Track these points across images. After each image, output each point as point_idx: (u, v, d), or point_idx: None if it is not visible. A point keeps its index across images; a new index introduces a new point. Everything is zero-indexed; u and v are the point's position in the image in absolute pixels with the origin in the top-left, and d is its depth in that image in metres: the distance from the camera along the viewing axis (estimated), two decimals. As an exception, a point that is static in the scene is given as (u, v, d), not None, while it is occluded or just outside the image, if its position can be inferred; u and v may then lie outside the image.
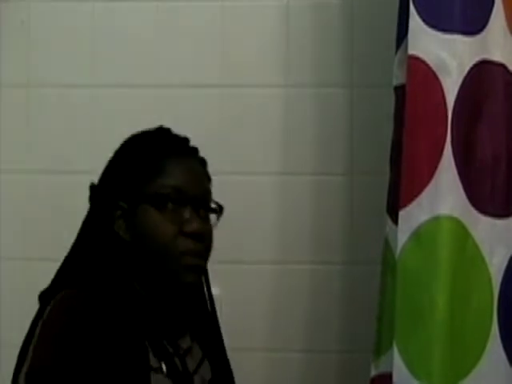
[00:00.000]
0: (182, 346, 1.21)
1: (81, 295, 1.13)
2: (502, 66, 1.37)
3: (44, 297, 1.19)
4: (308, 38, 1.74)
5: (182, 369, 1.18)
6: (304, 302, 1.73)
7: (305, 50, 1.74)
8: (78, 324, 1.08)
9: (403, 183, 1.32)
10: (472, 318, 1.34)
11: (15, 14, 1.77)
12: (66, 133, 1.76)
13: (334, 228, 1.73)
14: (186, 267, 1.16)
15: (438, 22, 1.32)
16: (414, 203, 1.31)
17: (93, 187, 1.26)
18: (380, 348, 1.42)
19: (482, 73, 1.35)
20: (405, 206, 1.32)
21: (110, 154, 1.76)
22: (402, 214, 1.32)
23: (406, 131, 1.33)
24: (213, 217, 1.25)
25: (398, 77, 1.41)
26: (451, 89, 1.32)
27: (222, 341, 1.30)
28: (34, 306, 1.77)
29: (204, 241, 1.19)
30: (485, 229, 1.35)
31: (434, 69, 1.32)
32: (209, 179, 1.26)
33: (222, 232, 1.66)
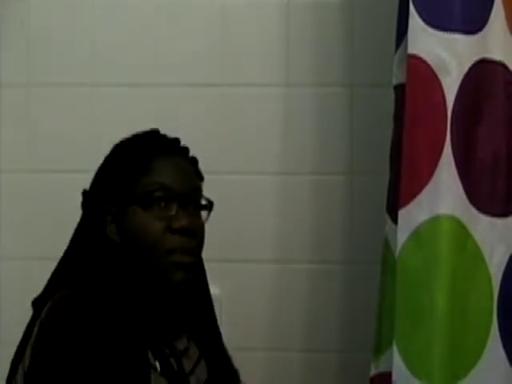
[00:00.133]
0: (179, 347, 1.21)
1: (78, 294, 1.13)
2: (502, 65, 1.37)
3: (38, 302, 1.19)
4: (308, 38, 1.74)
5: (178, 369, 1.18)
6: (304, 302, 1.73)
7: (305, 50, 1.74)
8: (76, 323, 1.08)
9: (403, 182, 1.32)
10: (472, 317, 1.34)
11: (15, 14, 1.77)
12: (65, 133, 1.76)
13: (333, 228, 1.73)
14: (174, 264, 1.15)
15: (437, 21, 1.33)
16: (414, 203, 1.31)
17: (84, 193, 1.26)
18: (380, 347, 1.42)
19: (481, 72, 1.35)
20: (404, 205, 1.32)
21: (109, 153, 1.77)
22: (401, 213, 1.32)
23: (406, 131, 1.33)
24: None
25: (398, 76, 1.41)
26: (451, 88, 1.32)
27: (220, 340, 1.30)
28: (33, 306, 1.76)
29: (193, 236, 1.17)
30: (485, 228, 1.35)
31: (434, 68, 1.32)
32: (199, 177, 1.25)
33: (221, 232, 1.67)
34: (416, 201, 1.31)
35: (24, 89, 1.77)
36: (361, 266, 1.71)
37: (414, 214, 1.31)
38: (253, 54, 1.75)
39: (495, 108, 1.37)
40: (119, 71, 1.77)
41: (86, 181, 1.77)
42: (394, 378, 1.31)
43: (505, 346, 1.35)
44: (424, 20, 1.33)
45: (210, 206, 1.24)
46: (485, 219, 1.36)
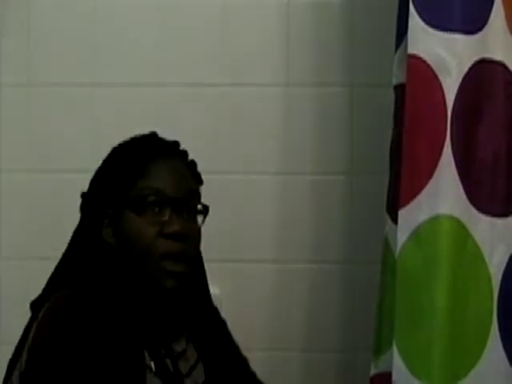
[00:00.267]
0: (176, 349, 1.21)
1: (74, 296, 1.13)
2: (502, 65, 1.37)
3: (36, 304, 1.19)
4: (308, 38, 1.74)
5: (174, 371, 1.18)
6: (304, 302, 1.73)
7: (305, 50, 1.74)
8: (72, 324, 1.08)
9: (403, 182, 1.32)
10: (472, 317, 1.34)
11: (15, 14, 1.77)
12: (65, 132, 1.76)
13: (333, 228, 1.73)
14: (166, 272, 1.15)
15: (437, 21, 1.32)
16: (414, 203, 1.31)
17: (83, 195, 1.26)
18: (380, 347, 1.42)
19: (481, 72, 1.35)
20: (404, 205, 1.32)
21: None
22: (401, 213, 1.32)
23: (406, 131, 1.33)
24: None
25: (398, 76, 1.41)
26: (451, 88, 1.32)
27: (224, 341, 1.30)
28: (33, 306, 1.76)
29: (186, 241, 1.16)
30: (485, 228, 1.35)
31: (434, 68, 1.32)
32: (197, 181, 1.25)
33: (221, 232, 1.67)
34: (416, 201, 1.31)
35: (24, 89, 1.77)
36: (361, 265, 1.71)
37: (414, 214, 1.31)
38: (253, 54, 1.75)
39: (495, 108, 1.37)
40: (119, 71, 1.77)
41: (85, 181, 1.77)
42: (393, 377, 1.31)
43: (505, 346, 1.35)
44: (424, 20, 1.33)
45: (205, 210, 1.23)
46: (485, 219, 1.36)
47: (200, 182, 1.26)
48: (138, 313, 1.17)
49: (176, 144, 1.25)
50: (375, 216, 1.59)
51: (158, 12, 1.76)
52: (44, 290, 1.22)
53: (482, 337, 1.34)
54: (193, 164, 1.26)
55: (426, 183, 1.31)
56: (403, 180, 1.32)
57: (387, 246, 1.41)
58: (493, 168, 1.36)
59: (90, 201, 1.24)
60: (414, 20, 1.33)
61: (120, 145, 1.26)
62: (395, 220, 1.36)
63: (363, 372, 1.46)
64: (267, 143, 1.74)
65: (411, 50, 1.33)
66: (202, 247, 1.24)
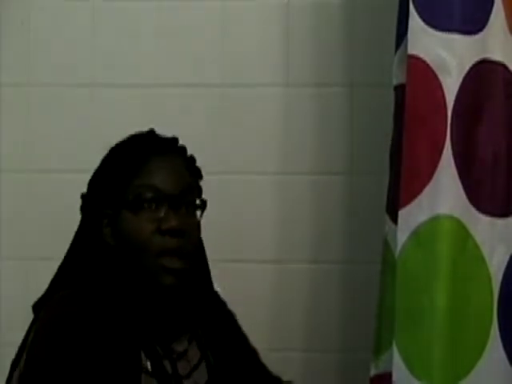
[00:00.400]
0: (177, 350, 1.20)
1: (71, 296, 1.13)
2: (502, 66, 1.37)
3: (37, 306, 1.19)
4: (308, 38, 1.74)
5: (172, 372, 1.17)
6: (304, 302, 1.74)
7: (305, 50, 1.74)
8: (68, 325, 1.08)
9: (403, 183, 1.32)
10: (472, 317, 1.34)
11: (15, 14, 1.77)
12: (65, 132, 1.76)
13: (333, 228, 1.73)
14: (164, 269, 1.14)
15: (437, 21, 1.32)
16: (414, 203, 1.31)
17: (82, 197, 1.26)
18: (380, 348, 1.42)
19: (481, 72, 1.35)
20: (404, 205, 1.32)
21: (110, 154, 1.76)
22: (401, 213, 1.32)
23: (406, 131, 1.33)
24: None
25: (398, 76, 1.40)
26: (451, 88, 1.32)
27: (231, 336, 1.29)
28: (33, 306, 1.76)
29: (184, 236, 1.15)
30: (485, 228, 1.35)
31: (434, 68, 1.32)
32: (195, 176, 1.24)
33: (221, 231, 1.67)
34: (416, 201, 1.31)
35: (24, 89, 1.77)
36: (361, 265, 1.71)
37: (414, 214, 1.31)
38: (253, 54, 1.75)
39: (495, 108, 1.37)
40: (119, 71, 1.77)
41: (85, 181, 1.77)
42: (394, 378, 1.31)
43: (505, 346, 1.35)
44: (424, 20, 1.32)
45: (203, 205, 1.22)
46: (485, 219, 1.36)
47: (198, 176, 1.25)
48: (137, 312, 1.16)
49: (173, 140, 1.25)
50: (375, 216, 1.59)
51: (158, 12, 1.76)
52: (46, 292, 1.22)
53: (482, 337, 1.34)
54: (191, 159, 1.25)
55: (426, 183, 1.31)
56: (403, 180, 1.32)
57: (387, 246, 1.41)
58: (493, 168, 1.36)
59: (89, 202, 1.24)
60: (414, 20, 1.32)
61: (117, 144, 1.26)
62: (395, 220, 1.35)
63: (363, 372, 1.46)
64: (267, 143, 1.74)
65: (411, 51, 1.33)
66: (202, 247, 1.24)
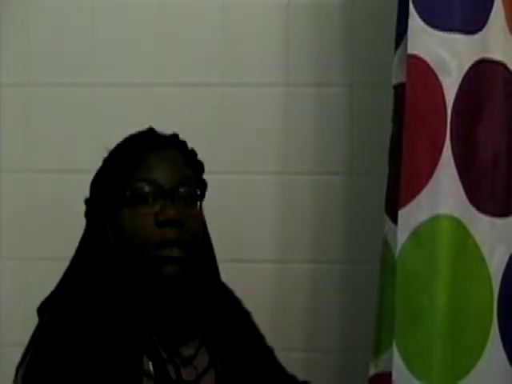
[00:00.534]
0: (183, 354, 1.19)
1: (73, 297, 1.14)
2: (502, 65, 1.37)
3: (42, 308, 1.20)
4: (308, 37, 1.74)
5: (176, 378, 1.16)
6: (304, 302, 1.74)
7: (305, 49, 1.74)
8: (71, 329, 1.09)
9: (403, 182, 1.32)
10: (472, 317, 1.33)
11: (15, 14, 1.77)
12: (65, 132, 1.76)
13: (333, 228, 1.73)
14: (164, 258, 1.14)
15: (437, 21, 1.32)
16: (414, 202, 1.31)
17: (86, 202, 1.26)
18: (379, 347, 1.42)
19: (481, 72, 1.35)
20: (404, 205, 1.31)
21: (109, 154, 1.76)
22: (401, 213, 1.32)
23: (406, 131, 1.32)
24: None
25: (398, 76, 1.40)
26: (451, 88, 1.32)
27: (244, 337, 1.28)
28: (33, 306, 1.77)
29: (182, 226, 1.16)
30: (485, 228, 1.35)
31: (434, 68, 1.32)
32: (193, 167, 1.24)
33: (221, 232, 1.66)
34: (416, 201, 1.31)
35: (24, 89, 1.77)
36: (361, 266, 1.71)
37: (413, 214, 1.31)
38: (253, 53, 1.75)
39: (495, 108, 1.36)
40: (119, 71, 1.77)
41: (85, 181, 1.77)
42: (393, 377, 1.31)
43: (505, 346, 1.34)
44: (424, 20, 1.32)
45: (202, 191, 1.22)
46: (485, 219, 1.35)
47: (199, 169, 1.25)
48: (140, 310, 1.16)
49: (172, 136, 1.25)
50: (375, 216, 1.59)
51: (159, 12, 1.76)
52: (50, 295, 1.22)
53: (481, 337, 1.34)
54: (191, 153, 1.26)
55: (425, 183, 1.31)
56: (403, 180, 1.32)
57: (387, 246, 1.41)
58: (493, 168, 1.36)
59: (91, 206, 1.25)
60: (414, 20, 1.32)
61: (116, 145, 1.27)
62: (395, 220, 1.35)
63: (363, 372, 1.46)
64: (267, 143, 1.74)
65: (411, 50, 1.32)
66: (202, 246, 1.24)
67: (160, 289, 1.17)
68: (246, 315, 1.34)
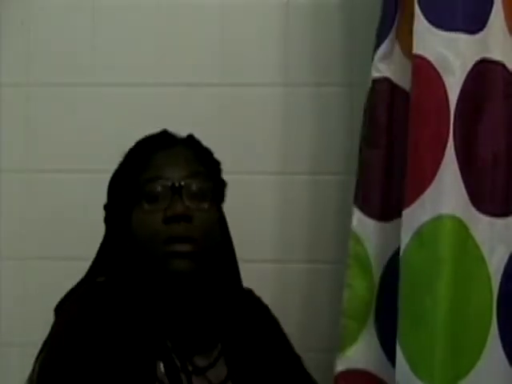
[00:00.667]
0: (197, 364, 1.17)
1: (87, 298, 1.13)
2: (502, 65, 1.37)
3: (59, 306, 1.19)
4: (307, 37, 1.74)
5: None
6: (303, 301, 1.73)
7: (304, 49, 1.74)
8: (81, 335, 1.08)
9: (407, 182, 1.32)
10: (472, 317, 1.34)
11: (15, 14, 1.77)
12: (65, 132, 1.76)
13: (333, 228, 1.73)
14: (172, 254, 1.14)
15: (441, 21, 1.33)
16: (417, 203, 1.31)
17: (104, 207, 1.27)
18: (345, 344, 1.42)
19: (482, 71, 1.36)
20: (409, 205, 1.31)
21: (109, 153, 1.76)
22: (405, 213, 1.32)
23: (410, 131, 1.32)
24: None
25: (381, 70, 1.41)
26: (454, 88, 1.32)
27: (268, 349, 1.25)
28: (33, 306, 1.77)
29: (190, 221, 1.15)
30: (485, 228, 1.36)
31: (438, 68, 1.32)
32: (208, 166, 1.24)
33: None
34: (419, 201, 1.31)
35: (24, 89, 1.76)
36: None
37: (417, 214, 1.31)
38: (252, 53, 1.75)
39: (495, 108, 1.37)
40: (119, 71, 1.77)
41: (85, 181, 1.78)
42: (397, 378, 1.31)
43: (504, 347, 1.35)
44: (429, 21, 1.33)
45: (219, 190, 1.23)
46: (485, 219, 1.36)
47: (212, 167, 1.25)
48: (154, 315, 1.14)
49: (187, 136, 1.26)
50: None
51: (158, 12, 1.76)
52: (69, 292, 1.21)
53: (481, 337, 1.34)
54: (204, 151, 1.26)
55: (429, 183, 1.31)
56: (407, 180, 1.32)
57: (357, 240, 1.41)
58: (492, 168, 1.37)
59: (108, 209, 1.25)
60: (420, 21, 1.32)
61: (128, 149, 1.26)
62: (367, 212, 1.38)
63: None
64: (266, 143, 1.74)
65: (417, 51, 1.32)
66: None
67: (169, 285, 1.16)
68: (273, 324, 1.32)
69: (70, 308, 1.14)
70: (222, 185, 1.26)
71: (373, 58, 1.43)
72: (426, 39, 1.33)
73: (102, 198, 1.68)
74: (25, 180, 1.77)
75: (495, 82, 1.37)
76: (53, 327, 1.14)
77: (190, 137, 1.27)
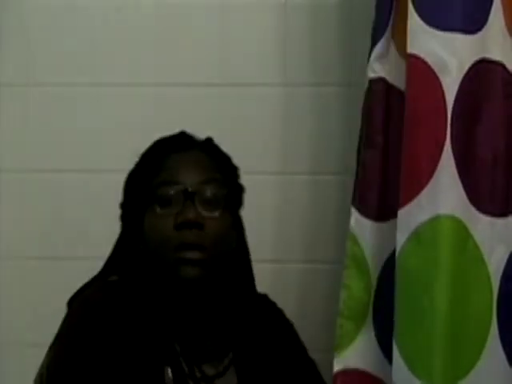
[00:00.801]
0: (206, 372, 1.16)
1: (95, 299, 1.12)
2: (501, 66, 1.37)
3: (69, 304, 1.18)
4: (306, 37, 1.74)
5: None
6: (300, 301, 1.73)
7: (303, 49, 1.74)
8: (88, 338, 1.07)
9: (402, 182, 1.32)
10: (472, 317, 1.33)
11: (15, 14, 1.77)
12: (65, 132, 1.76)
13: (333, 228, 1.73)
14: (182, 260, 1.13)
15: (437, 20, 1.32)
16: (413, 203, 1.30)
17: (120, 206, 1.25)
18: (342, 344, 1.42)
19: (481, 72, 1.35)
20: (403, 205, 1.31)
21: (109, 153, 1.77)
22: (400, 213, 1.31)
23: (406, 131, 1.32)
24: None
25: (376, 70, 1.41)
26: (451, 88, 1.32)
27: (283, 354, 1.24)
28: (33, 306, 1.77)
29: (201, 228, 1.14)
30: (484, 228, 1.35)
31: (434, 68, 1.31)
32: (223, 172, 1.23)
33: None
34: (416, 201, 1.30)
35: (23, 88, 1.76)
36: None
37: (413, 214, 1.30)
38: (250, 53, 1.75)
39: (494, 108, 1.37)
40: (119, 71, 1.77)
41: (85, 181, 1.78)
42: (393, 378, 1.31)
43: (504, 347, 1.35)
44: (424, 19, 1.32)
45: (236, 196, 1.22)
46: (484, 219, 1.35)
47: (229, 173, 1.24)
48: (163, 318, 1.14)
49: (204, 139, 1.24)
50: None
51: (158, 12, 1.76)
52: (81, 288, 1.20)
53: (481, 337, 1.34)
54: (220, 156, 1.24)
55: (426, 183, 1.30)
56: (402, 180, 1.32)
57: (354, 240, 1.41)
58: (492, 168, 1.36)
59: (123, 208, 1.23)
60: (414, 19, 1.32)
61: (145, 149, 1.25)
62: (364, 212, 1.38)
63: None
64: (265, 143, 1.74)
65: (411, 50, 1.32)
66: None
67: (179, 291, 1.15)
68: (287, 329, 1.32)
69: (79, 308, 1.13)
70: (240, 190, 1.25)
71: (369, 58, 1.43)
72: (420, 38, 1.32)
73: (102, 198, 1.68)
74: (25, 180, 1.77)
75: (495, 82, 1.37)
76: (63, 325, 1.13)
77: (209, 140, 1.26)
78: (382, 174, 1.40)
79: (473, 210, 1.34)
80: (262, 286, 1.76)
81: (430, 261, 1.30)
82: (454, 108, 1.32)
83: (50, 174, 1.76)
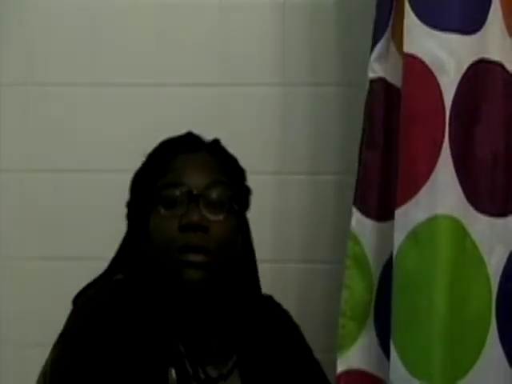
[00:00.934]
0: (210, 374, 1.16)
1: (99, 299, 1.12)
2: (500, 66, 1.37)
3: (75, 301, 1.18)
4: (305, 37, 1.74)
5: None
6: (300, 301, 1.73)
7: (302, 49, 1.74)
8: (92, 338, 1.07)
9: (399, 182, 1.32)
10: (471, 317, 1.33)
11: (14, 14, 1.77)
12: (65, 132, 1.76)
13: (332, 227, 1.73)
14: (186, 263, 1.12)
15: (435, 20, 1.32)
16: (411, 202, 1.30)
17: (127, 205, 1.25)
18: (344, 344, 1.42)
19: (479, 72, 1.35)
20: (401, 205, 1.31)
21: (109, 153, 1.77)
22: (398, 212, 1.31)
23: (404, 130, 1.32)
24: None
25: (376, 70, 1.41)
26: (449, 88, 1.32)
27: (289, 357, 1.25)
28: (33, 306, 1.78)
29: (206, 231, 1.14)
30: (483, 228, 1.35)
31: (432, 68, 1.31)
32: (229, 174, 1.22)
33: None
34: (414, 200, 1.30)
35: (23, 88, 1.77)
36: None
37: (411, 214, 1.30)
38: (249, 53, 1.75)
39: (493, 108, 1.37)
40: (119, 71, 1.77)
41: (86, 181, 1.78)
42: (391, 378, 1.31)
43: (503, 346, 1.35)
44: (421, 19, 1.32)
45: (242, 198, 1.21)
46: (483, 219, 1.35)
47: (236, 175, 1.24)
48: (167, 320, 1.14)
49: (211, 140, 1.24)
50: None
51: (158, 12, 1.76)
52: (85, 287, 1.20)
53: (480, 337, 1.34)
54: (227, 158, 1.24)
55: (423, 183, 1.30)
56: (400, 179, 1.32)
57: (355, 240, 1.41)
58: (491, 168, 1.36)
59: (129, 208, 1.23)
60: (411, 19, 1.32)
61: (152, 149, 1.25)
62: (366, 212, 1.38)
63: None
64: (264, 143, 1.74)
65: (408, 50, 1.32)
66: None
67: (182, 294, 1.15)
68: (291, 330, 1.31)
69: (84, 307, 1.13)
70: (246, 192, 1.25)
71: (369, 58, 1.43)
72: (417, 38, 1.32)
73: (102, 198, 1.69)
74: (25, 180, 1.77)
75: (494, 82, 1.37)
76: (67, 323, 1.12)
77: (216, 142, 1.25)
78: (382, 174, 1.40)
79: (471, 209, 1.34)
80: (262, 286, 1.76)
81: (427, 261, 1.30)
82: (452, 108, 1.32)
83: (50, 173, 1.77)
